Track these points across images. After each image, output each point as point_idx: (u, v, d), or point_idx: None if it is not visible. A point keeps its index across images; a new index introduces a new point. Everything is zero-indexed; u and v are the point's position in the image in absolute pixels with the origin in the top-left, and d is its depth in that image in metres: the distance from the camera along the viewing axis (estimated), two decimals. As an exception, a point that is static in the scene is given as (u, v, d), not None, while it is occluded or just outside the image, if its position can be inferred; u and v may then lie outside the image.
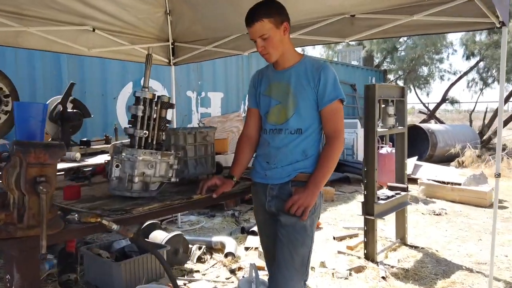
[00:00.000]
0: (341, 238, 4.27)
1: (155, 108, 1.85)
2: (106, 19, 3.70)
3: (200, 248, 3.72)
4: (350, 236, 4.32)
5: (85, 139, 3.94)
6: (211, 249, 3.86)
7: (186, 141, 2.16)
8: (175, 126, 4.84)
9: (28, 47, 3.44)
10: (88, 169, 2.58)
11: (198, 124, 7.07)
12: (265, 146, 1.94)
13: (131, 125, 1.83)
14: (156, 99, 1.87)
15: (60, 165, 3.18)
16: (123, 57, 4.19)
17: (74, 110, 3.62)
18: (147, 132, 1.81)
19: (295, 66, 1.89)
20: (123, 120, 5.91)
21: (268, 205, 1.90)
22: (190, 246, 3.64)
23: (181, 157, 2.16)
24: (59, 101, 3.67)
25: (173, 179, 1.88)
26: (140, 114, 1.80)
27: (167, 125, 1.91)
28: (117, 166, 1.77)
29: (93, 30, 3.71)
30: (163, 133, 1.91)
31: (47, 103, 3.67)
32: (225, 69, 7.56)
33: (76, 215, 1.50)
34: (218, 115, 7.39)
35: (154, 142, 1.85)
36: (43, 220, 1.27)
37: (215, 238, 3.99)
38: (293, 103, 1.84)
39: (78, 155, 3.37)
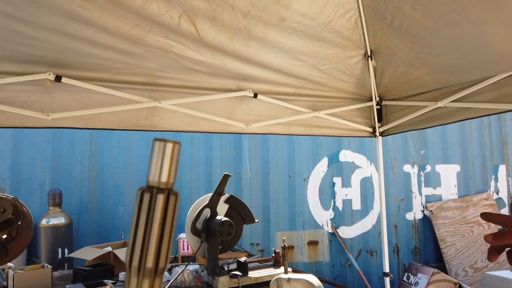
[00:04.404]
0: None
1: None
2: (271, 77, 2.44)
3: None
4: None
5: (243, 258, 2.58)
6: None
7: None
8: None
9: (165, 129, 2.44)
10: None
11: (422, 210, 4.94)
12: None
13: None
14: None
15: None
16: (300, 131, 2.78)
17: (224, 219, 2.35)
18: None
19: None
20: (315, 208, 4.47)
21: None
22: None
23: None
24: (206, 202, 2.50)
25: None
26: None
27: None
28: None
29: (255, 96, 2.49)
30: None
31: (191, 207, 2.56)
32: (460, 130, 5.27)
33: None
34: (454, 198, 5.05)
35: None
36: None
37: None
38: None
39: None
